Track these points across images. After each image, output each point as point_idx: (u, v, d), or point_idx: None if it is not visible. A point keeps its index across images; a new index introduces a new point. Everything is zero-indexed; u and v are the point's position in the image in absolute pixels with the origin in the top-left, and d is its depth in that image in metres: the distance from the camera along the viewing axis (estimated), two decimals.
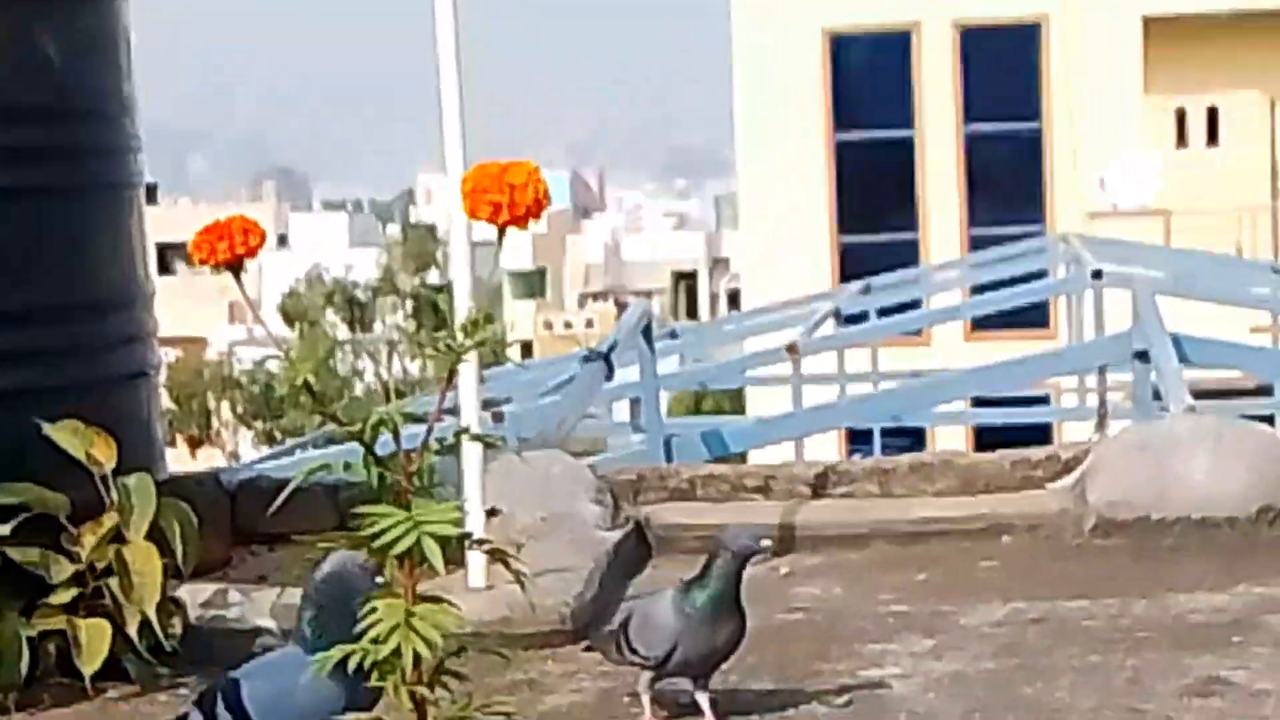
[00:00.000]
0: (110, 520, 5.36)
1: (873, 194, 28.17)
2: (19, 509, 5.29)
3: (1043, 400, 19.63)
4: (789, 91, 27.77)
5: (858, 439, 20.70)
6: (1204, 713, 4.63)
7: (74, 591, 5.30)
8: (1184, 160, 27.25)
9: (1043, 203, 27.52)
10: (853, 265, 25.75)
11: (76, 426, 5.46)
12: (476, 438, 3.57)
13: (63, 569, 5.31)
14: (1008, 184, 28.00)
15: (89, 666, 5.22)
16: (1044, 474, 7.14)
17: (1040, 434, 17.77)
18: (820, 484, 7.24)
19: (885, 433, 18.78)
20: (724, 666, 4.65)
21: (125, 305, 6.08)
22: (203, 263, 3.20)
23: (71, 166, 5.90)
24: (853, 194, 28.06)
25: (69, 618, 5.27)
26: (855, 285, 19.91)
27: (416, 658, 3.06)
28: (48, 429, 5.43)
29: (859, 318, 18.14)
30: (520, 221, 3.19)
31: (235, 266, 3.20)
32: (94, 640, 5.24)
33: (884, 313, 18.17)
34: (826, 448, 18.81)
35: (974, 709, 4.76)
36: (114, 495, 5.41)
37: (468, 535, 3.25)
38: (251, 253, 3.20)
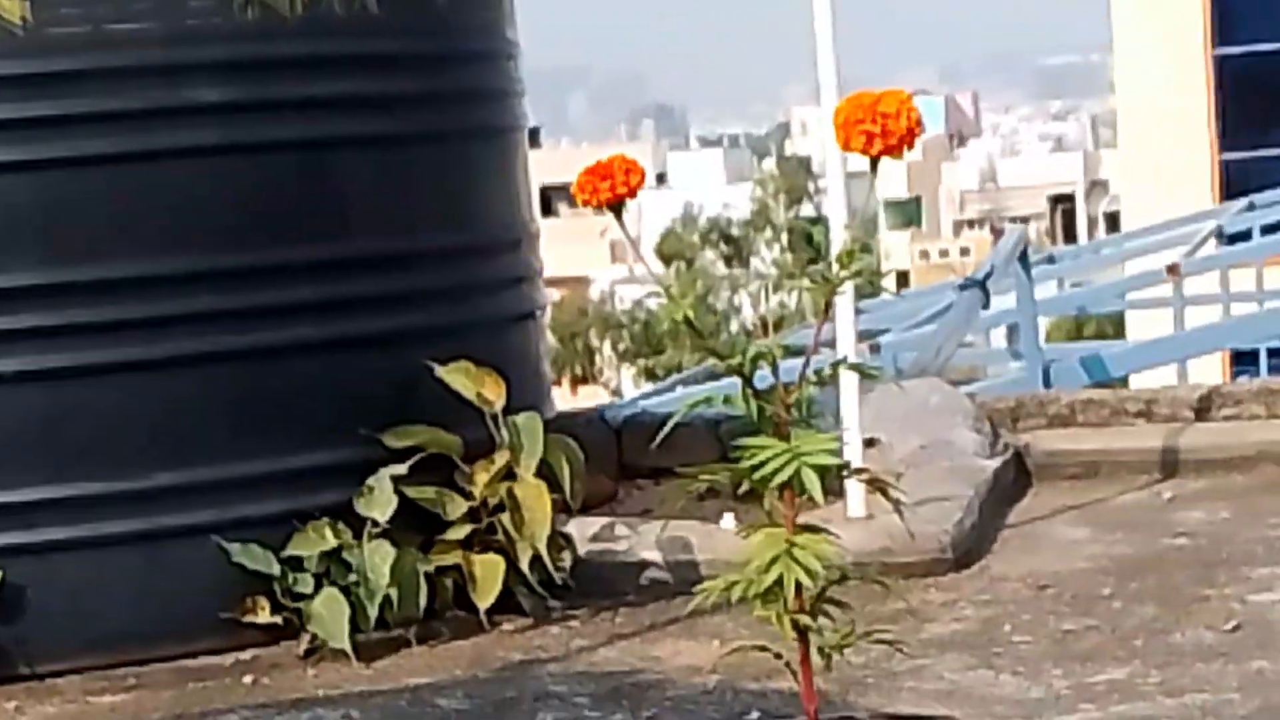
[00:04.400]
0: (501, 459, 5.51)
1: (1256, 108, 27.43)
2: (415, 450, 5.48)
3: None
4: (1168, 5, 27.14)
5: (1242, 360, 20.23)
6: None
7: (468, 528, 5.47)
8: None
9: None
10: (1236, 182, 25.12)
11: (467, 368, 5.61)
12: (854, 368, 3.60)
13: (457, 506, 5.48)
14: None
15: (484, 600, 5.39)
16: None
17: None
18: (1204, 407, 7.12)
19: (1272, 353, 18.32)
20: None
21: (512, 247, 6.22)
22: (586, 203, 3.27)
23: (458, 112, 6.05)
24: (1235, 109, 27.35)
25: (464, 553, 5.44)
26: (1239, 202, 19.43)
27: (798, 587, 3.11)
28: (439, 371, 5.59)
29: (1243, 236, 17.72)
30: (894, 151, 3.20)
31: (617, 206, 3.27)
32: (488, 575, 5.40)
33: (1269, 230, 17.70)
34: (1210, 370, 18.42)
35: None
36: (504, 434, 5.56)
37: (846, 465, 3.29)
38: (633, 192, 3.26)
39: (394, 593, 5.29)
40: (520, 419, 5.58)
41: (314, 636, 5.28)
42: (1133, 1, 27.45)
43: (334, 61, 5.70)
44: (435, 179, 5.91)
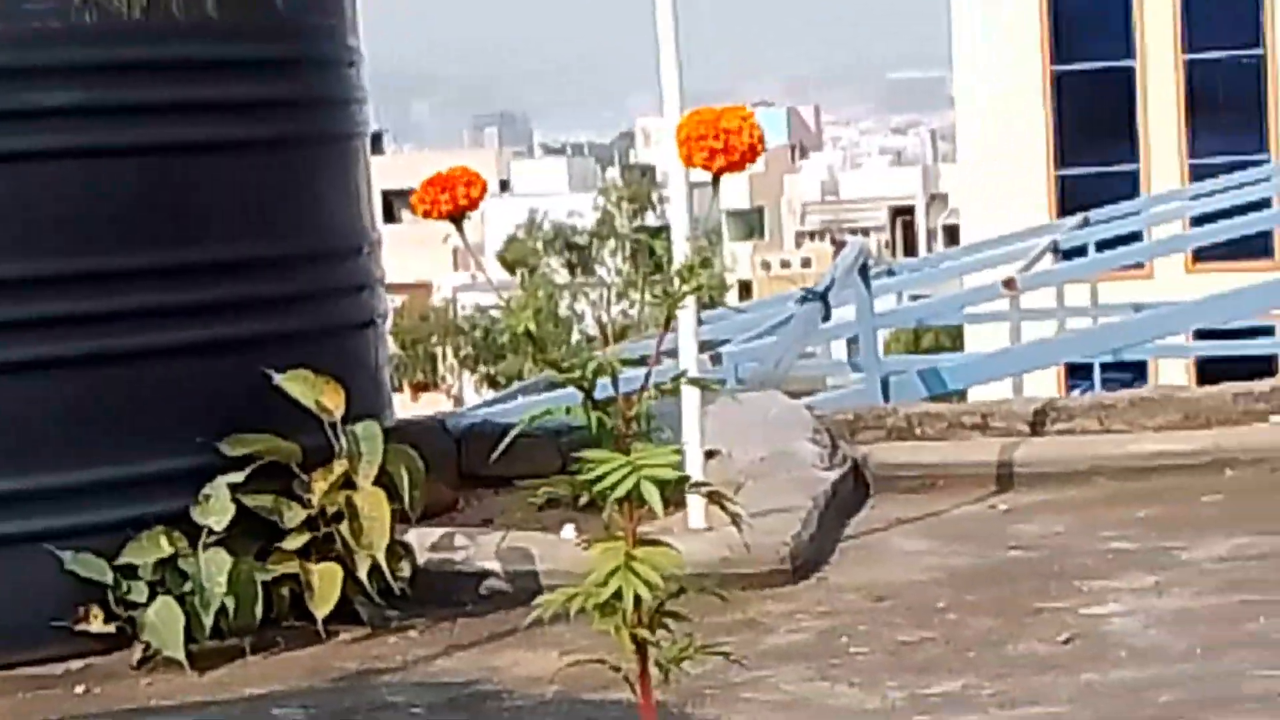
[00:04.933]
0: (340, 467, 5.49)
1: (1092, 125, 27.83)
2: (253, 458, 5.44)
3: (1267, 331, 19.30)
4: (1007, 23, 27.48)
5: (1077, 374, 20.52)
6: None
7: (306, 537, 5.44)
8: None
9: (1265, 130, 27.01)
10: (1071, 198, 25.48)
11: (306, 375, 5.58)
12: (695, 381, 3.61)
13: (295, 515, 5.45)
14: (1230, 112, 27.51)
15: (321, 609, 5.36)
16: (1268, 406, 7.06)
17: (1265, 365, 17.46)
18: (1039, 420, 7.21)
19: (1105, 368, 18.60)
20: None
21: (353, 254, 6.19)
22: (426, 215, 3.26)
23: (299, 118, 6.01)
24: (1071, 126, 27.73)
25: (301, 562, 5.41)
26: (1074, 218, 19.69)
27: (637, 600, 3.11)
28: (278, 379, 5.56)
29: (1078, 251, 17.96)
30: (736, 167, 3.21)
31: (458, 218, 3.26)
32: (326, 584, 5.38)
33: (1103, 245, 17.97)
34: (1045, 384, 18.67)
35: (1197, 645, 4.74)
36: (343, 442, 5.53)
37: (686, 478, 3.30)
38: (474, 204, 3.25)
39: (230, 602, 5.25)
40: (360, 427, 5.55)
41: (148, 645, 5.22)
42: (973, 18, 27.77)
43: (174, 66, 5.64)
44: (275, 185, 5.87)
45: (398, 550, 5.50)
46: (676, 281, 3.24)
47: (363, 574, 5.40)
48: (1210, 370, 19.04)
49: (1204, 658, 4.64)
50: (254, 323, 5.74)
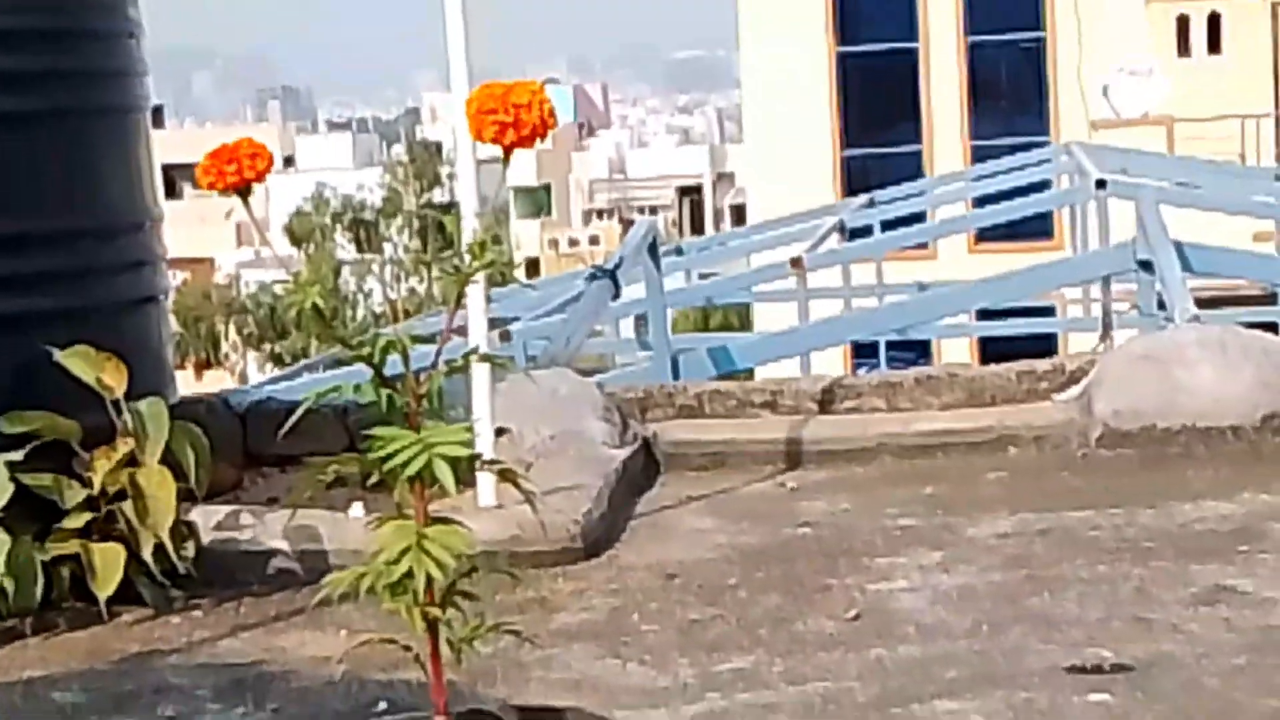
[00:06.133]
0: (123, 445, 5.39)
1: (876, 106, 28.14)
2: (31, 436, 5.32)
3: (1048, 311, 19.61)
4: (792, 4, 27.68)
5: (863, 353, 20.74)
6: (1210, 621, 4.67)
7: (87, 516, 5.34)
8: (1187, 68, 27.16)
9: (1046, 113, 27.47)
10: (857, 178, 25.76)
11: (87, 352, 5.48)
12: (485, 358, 3.58)
13: (75, 494, 5.34)
14: (1011, 94, 27.94)
15: (103, 590, 5.26)
16: (1049, 385, 7.17)
17: (1045, 345, 17.75)
18: (826, 399, 7.26)
19: (891, 346, 18.79)
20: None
21: (133, 230, 6.09)
22: (210, 187, 3.20)
23: (77, 91, 5.90)
24: (856, 107, 28.01)
25: (83, 542, 5.30)
26: (860, 199, 19.89)
27: (428, 579, 3.08)
28: (58, 355, 5.45)
29: (864, 231, 18.14)
30: (526, 142, 3.20)
31: (243, 191, 3.21)
32: (108, 564, 5.27)
33: (888, 226, 18.17)
34: (832, 363, 18.85)
35: (981, 621, 4.79)
36: (126, 420, 5.44)
37: (477, 456, 3.27)
38: (259, 176, 3.20)
39: (8, 583, 5.13)
40: (143, 405, 5.46)
41: None
42: None
43: None
44: (53, 159, 5.76)
45: (182, 530, 5.41)
46: (466, 258, 3.21)
47: (146, 554, 5.31)
48: (993, 350, 19.35)
49: (988, 634, 4.69)
50: (33, 298, 5.64)
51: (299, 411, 3.49)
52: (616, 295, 11.15)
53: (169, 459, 5.42)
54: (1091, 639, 4.57)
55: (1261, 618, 4.68)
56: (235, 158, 3.17)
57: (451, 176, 50.76)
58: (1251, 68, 27.22)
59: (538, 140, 3.25)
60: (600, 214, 75.78)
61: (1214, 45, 27.50)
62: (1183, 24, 27.42)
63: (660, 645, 4.76)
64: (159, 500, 5.32)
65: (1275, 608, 4.75)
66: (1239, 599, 4.84)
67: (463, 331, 5.71)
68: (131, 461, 5.37)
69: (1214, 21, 27.39)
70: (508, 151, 3.21)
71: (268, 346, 53.61)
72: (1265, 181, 18.57)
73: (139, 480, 5.34)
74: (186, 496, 5.49)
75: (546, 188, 74.92)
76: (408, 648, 3.23)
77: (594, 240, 66.98)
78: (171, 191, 54.60)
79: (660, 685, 4.46)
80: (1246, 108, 26.39)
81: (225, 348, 56.18)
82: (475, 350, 3.46)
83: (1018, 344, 15.32)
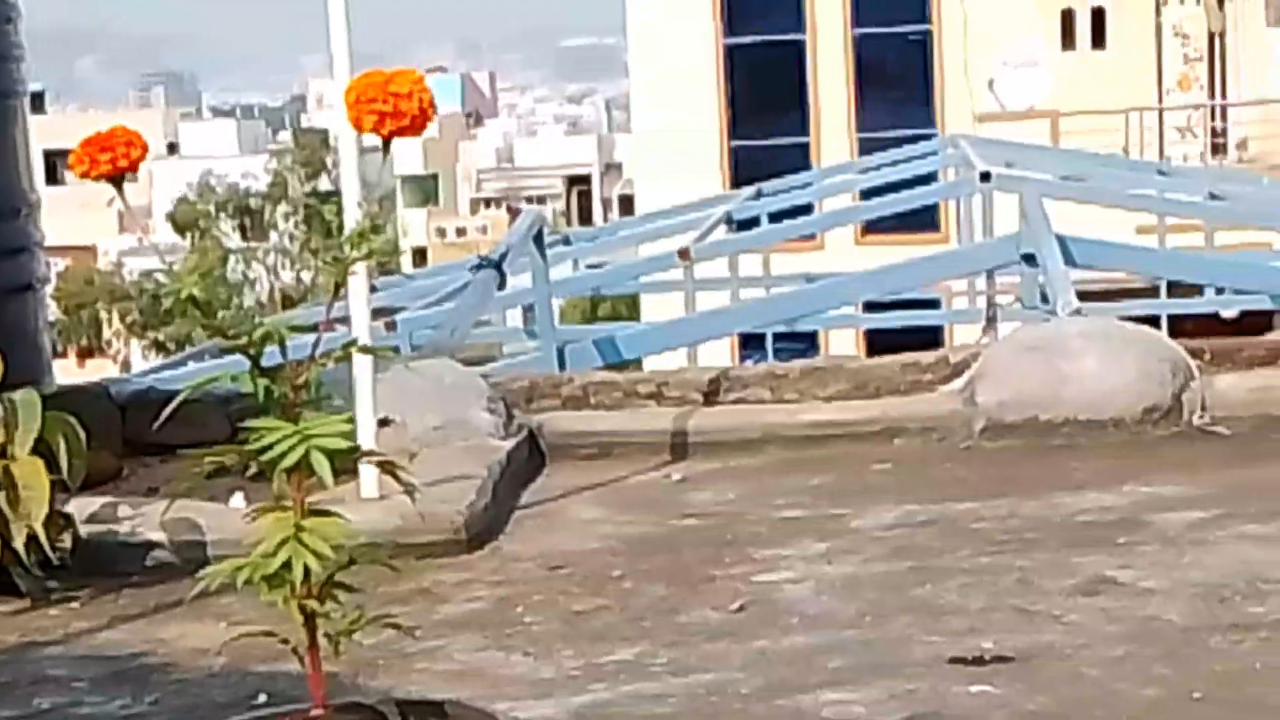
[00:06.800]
0: None
1: (763, 98, 28.16)
2: None
3: (933, 304, 19.71)
4: None
5: (750, 345, 20.76)
6: (1091, 611, 4.69)
7: None
8: (1071, 61, 27.36)
9: (932, 105, 27.60)
10: (744, 169, 25.75)
11: None
12: (367, 349, 3.55)
13: None
14: (898, 87, 28.06)
15: None
16: (934, 377, 7.19)
17: (931, 337, 17.83)
18: (713, 390, 7.26)
19: (778, 338, 18.81)
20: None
21: (9, 216, 6.02)
22: (84, 175, 3.16)
23: None
24: (744, 98, 28.04)
25: None
26: (747, 190, 19.90)
27: (306, 571, 3.05)
28: None
29: (751, 222, 18.15)
30: (406, 132, 3.17)
31: (118, 179, 3.17)
32: None
33: (775, 217, 18.18)
34: (720, 354, 18.85)
35: (866, 611, 4.80)
36: None
37: (357, 447, 3.24)
38: (134, 165, 3.16)
39: None
40: (17, 395, 5.38)
41: None
42: None
43: None
44: None
45: (57, 520, 5.34)
46: (348, 247, 3.18)
47: (19, 545, 5.23)
48: (879, 342, 19.38)
49: (872, 624, 4.70)
50: None
51: (177, 400, 3.44)
52: (502, 285, 11.12)
53: (43, 449, 5.34)
54: (974, 629, 4.59)
55: (1141, 608, 4.71)
56: (109, 146, 3.12)
57: (338, 164, 50.42)
58: (1135, 61, 27.45)
59: (419, 130, 3.22)
60: (488, 203, 75.63)
61: (1098, 39, 27.72)
62: (1067, 18, 27.62)
63: (545, 636, 4.74)
64: (32, 491, 5.24)
65: (1155, 598, 4.78)
66: (1120, 590, 4.87)
67: (346, 321, 5.66)
68: (3, 453, 5.29)
69: (1098, 15, 27.61)
70: (387, 141, 3.19)
71: (151, 334, 53.17)
72: (1149, 175, 18.72)
73: (11, 471, 5.26)
74: (63, 487, 5.42)
75: (434, 177, 74.68)
76: (286, 641, 3.19)
77: (482, 230, 66.82)
78: (53, 177, 53.98)
79: (545, 676, 4.44)
80: (1130, 101, 26.60)
81: (108, 335, 55.69)
82: (355, 340, 3.43)
83: (904, 336, 15.37)
